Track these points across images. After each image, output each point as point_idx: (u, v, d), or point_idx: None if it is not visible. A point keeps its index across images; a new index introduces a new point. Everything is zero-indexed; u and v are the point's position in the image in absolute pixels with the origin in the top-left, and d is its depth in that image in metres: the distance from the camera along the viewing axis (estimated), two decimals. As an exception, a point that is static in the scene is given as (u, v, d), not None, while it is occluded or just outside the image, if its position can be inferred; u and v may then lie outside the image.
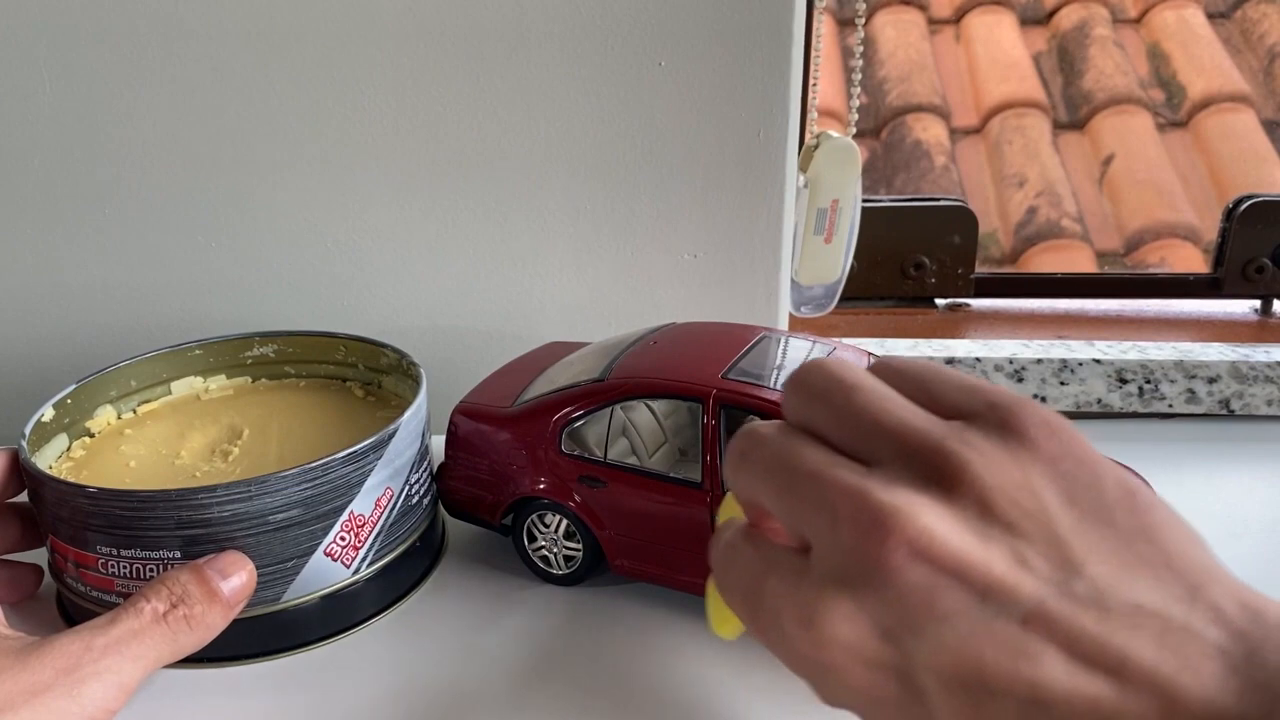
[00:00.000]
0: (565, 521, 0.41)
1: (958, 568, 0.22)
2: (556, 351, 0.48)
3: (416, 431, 0.41)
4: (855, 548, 0.23)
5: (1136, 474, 0.29)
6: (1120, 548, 0.22)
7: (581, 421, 0.40)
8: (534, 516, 0.42)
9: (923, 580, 0.22)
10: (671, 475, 0.39)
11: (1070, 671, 0.20)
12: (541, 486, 0.41)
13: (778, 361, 0.40)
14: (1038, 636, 0.21)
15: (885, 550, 0.22)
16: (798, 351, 0.41)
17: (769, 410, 0.36)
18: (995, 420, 0.24)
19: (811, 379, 0.26)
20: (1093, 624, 0.20)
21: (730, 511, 0.27)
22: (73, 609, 0.40)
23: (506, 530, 0.43)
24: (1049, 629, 0.21)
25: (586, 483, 0.40)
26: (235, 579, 0.35)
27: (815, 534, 0.24)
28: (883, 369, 0.27)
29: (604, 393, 0.40)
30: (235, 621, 0.35)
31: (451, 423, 0.44)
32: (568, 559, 0.42)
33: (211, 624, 0.34)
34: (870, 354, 0.42)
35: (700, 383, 0.38)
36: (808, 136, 0.59)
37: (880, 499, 0.23)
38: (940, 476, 0.23)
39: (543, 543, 0.42)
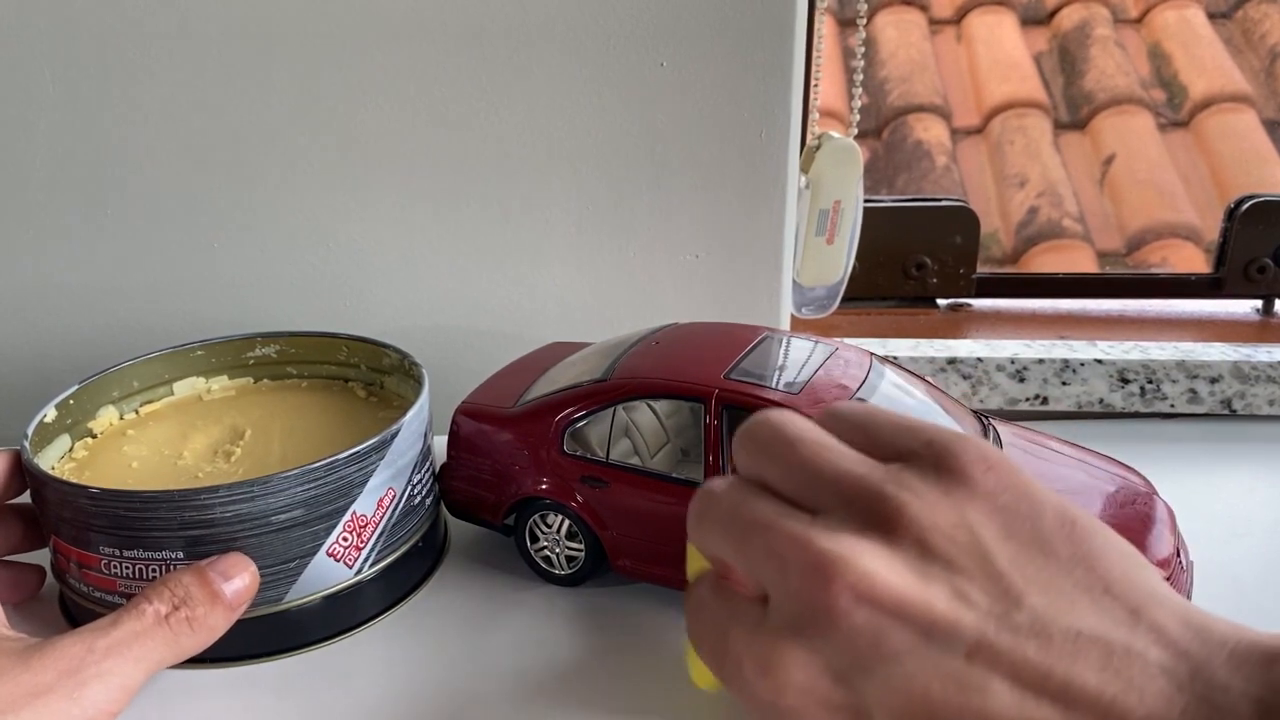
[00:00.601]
0: (567, 522, 0.41)
1: (900, 608, 0.22)
2: (558, 352, 0.48)
3: (419, 432, 0.41)
4: (803, 595, 0.23)
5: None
6: (1059, 576, 0.23)
7: (584, 422, 0.40)
8: (536, 517, 0.42)
9: (868, 622, 0.22)
10: (674, 476, 0.39)
11: (1018, 701, 0.21)
12: (544, 487, 0.41)
13: (780, 362, 0.40)
14: (982, 669, 0.21)
15: (830, 596, 0.23)
16: (799, 352, 0.41)
17: (771, 411, 0.36)
18: (932, 459, 0.25)
19: (757, 433, 0.27)
20: (1035, 653, 0.21)
21: (697, 561, 0.28)
22: (75, 610, 0.40)
23: (509, 531, 0.43)
24: (993, 661, 0.21)
25: (589, 483, 0.40)
26: (238, 581, 0.35)
27: (769, 583, 0.25)
28: (826, 417, 0.28)
29: (606, 393, 0.40)
30: (238, 622, 0.35)
31: (454, 423, 0.44)
32: (570, 559, 0.42)
33: (213, 626, 0.34)
34: (872, 355, 0.42)
35: (702, 383, 0.38)
36: (809, 137, 0.59)
37: (823, 546, 0.23)
38: (880, 520, 0.24)
39: (545, 543, 0.42)
